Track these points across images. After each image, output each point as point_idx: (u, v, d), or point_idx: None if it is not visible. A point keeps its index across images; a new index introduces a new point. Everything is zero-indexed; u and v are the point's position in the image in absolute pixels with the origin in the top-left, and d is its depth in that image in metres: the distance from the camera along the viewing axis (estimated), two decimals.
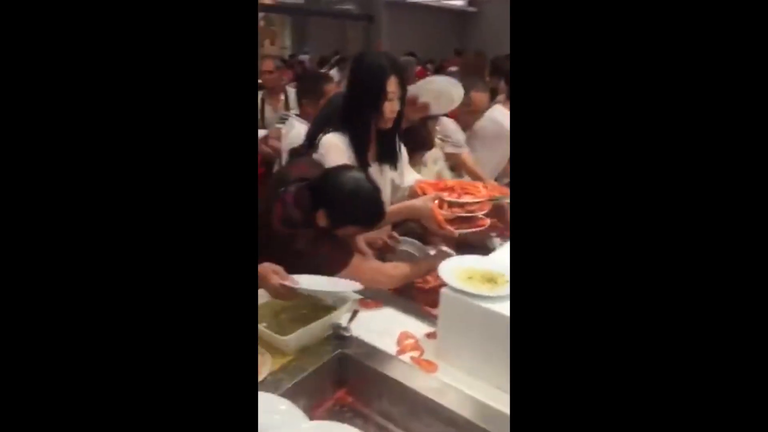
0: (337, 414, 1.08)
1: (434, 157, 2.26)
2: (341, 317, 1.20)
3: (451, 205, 1.47)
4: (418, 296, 1.52)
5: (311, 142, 1.66)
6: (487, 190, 1.59)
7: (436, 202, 1.47)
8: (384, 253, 1.70)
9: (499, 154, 2.50)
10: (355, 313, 1.25)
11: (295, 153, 2.13)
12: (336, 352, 1.11)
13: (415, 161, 2.05)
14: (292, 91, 3.41)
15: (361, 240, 1.60)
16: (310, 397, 1.05)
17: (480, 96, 2.45)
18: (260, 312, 1.21)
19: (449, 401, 0.97)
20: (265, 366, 1.03)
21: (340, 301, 1.25)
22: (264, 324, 1.15)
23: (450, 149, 2.36)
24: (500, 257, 1.26)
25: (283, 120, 2.87)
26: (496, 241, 1.90)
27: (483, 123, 2.55)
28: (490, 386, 1.02)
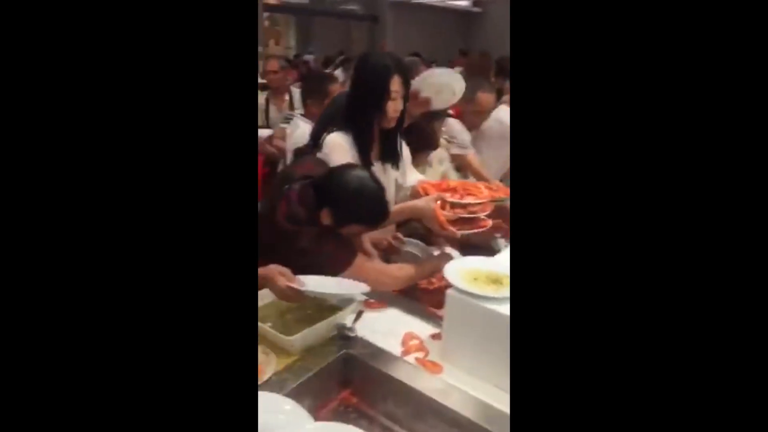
0: (341, 415, 1.08)
1: (440, 158, 2.25)
2: (346, 318, 1.20)
3: (453, 206, 1.47)
4: (422, 297, 1.52)
5: (315, 141, 1.66)
6: (492, 191, 1.59)
7: (438, 202, 1.47)
8: (389, 254, 1.70)
9: (504, 155, 2.49)
10: (360, 313, 1.25)
11: (299, 153, 2.13)
12: (341, 353, 1.11)
13: (420, 161, 2.05)
14: (296, 91, 3.42)
15: (367, 240, 1.60)
16: (315, 398, 1.05)
17: (486, 97, 2.45)
18: (265, 312, 1.21)
19: (454, 402, 0.96)
20: (270, 366, 1.03)
21: (345, 302, 1.25)
22: (269, 324, 1.15)
23: (455, 150, 2.36)
24: (505, 258, 1.25)
25: (287, 120, 2.87)
26: (501, 242, 1.89)
27: (489, 123, 2.55)
28: (495, 387, 1.01)
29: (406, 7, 11.73)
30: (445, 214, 1.44)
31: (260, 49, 9.08)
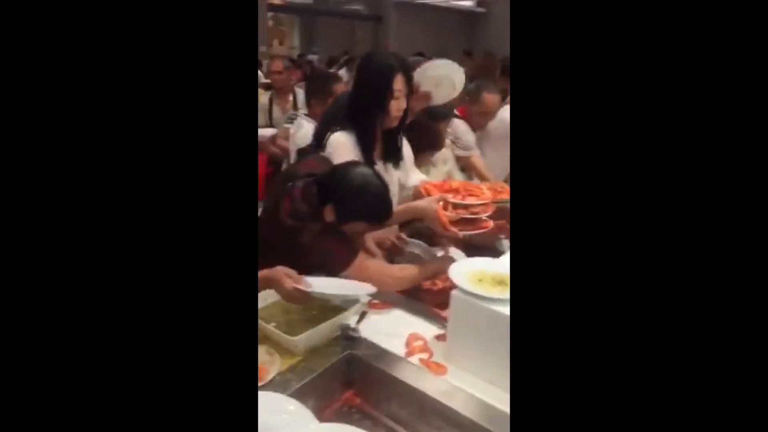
0: (345, 415, 1.08)
1: (444, 158, 2.25)
2: (350, 318, 1.20)
3: (455, 206, 1.47)
4: (426, 298, 1.51)
5: (319, 141, 1.66)
6: (497, 192, 1.59)
7: (441, 203, 1.47)
8: (392, 254, 1.70)
9: (509, 155, 2.49)
10: (363, 314, 1.24)
11: (303, 153, 2.13)
12: (345, 354, 1.11)
13: (424, 161, 2.05)
14: (300, 91, 3.42)
15: (370, 240, 1.60)
16: (319, 398, 1.05)
17: (491, 97, 2.45)
18: (270, 312, 1.21)
19: (458, 404, 0.96)
20: (274, 366, 1.03)
21: (349, 302, 1.25)
22: (273, 324, 1.15)
23: (459, 152, 2.36)
24: None
25: (291, 120, 2.88)
26: (505, 243, 1.89)
27: (494, 124, 2.55)
28: (499, 389, 1.01)
29: (410, 7, 11.73)
30: (447, 215, 1.44)
31: (264, 49, 9.08)
